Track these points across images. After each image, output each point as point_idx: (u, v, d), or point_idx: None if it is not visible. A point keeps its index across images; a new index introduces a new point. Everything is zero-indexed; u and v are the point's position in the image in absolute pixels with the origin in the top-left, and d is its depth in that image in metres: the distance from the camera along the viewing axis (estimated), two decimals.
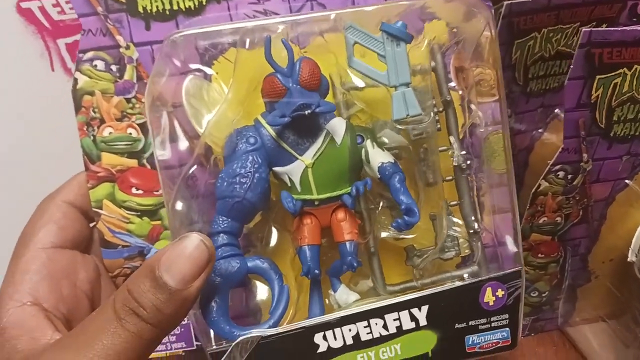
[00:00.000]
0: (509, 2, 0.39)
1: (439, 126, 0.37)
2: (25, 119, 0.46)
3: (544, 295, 0.50)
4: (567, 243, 0.48)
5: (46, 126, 0.46)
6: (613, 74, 0.40)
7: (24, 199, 0.39)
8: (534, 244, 0.46)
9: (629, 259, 0.44)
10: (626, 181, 0.46)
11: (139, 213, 0.40)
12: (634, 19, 0.43)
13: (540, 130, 0.48)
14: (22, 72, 0.45)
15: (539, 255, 0.47)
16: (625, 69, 0.40)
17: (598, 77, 0.40)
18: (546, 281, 0.49)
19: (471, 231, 0.38)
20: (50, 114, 0.46)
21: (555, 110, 0.47)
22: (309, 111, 0.32)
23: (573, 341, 0.52)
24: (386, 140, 0.36)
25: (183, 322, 0.41)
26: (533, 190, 0.43)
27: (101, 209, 0.39)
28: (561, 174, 0.43)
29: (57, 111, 0.45)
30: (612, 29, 0.39)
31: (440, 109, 0.37)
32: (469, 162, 0.37)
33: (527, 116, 0.47)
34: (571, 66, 0.39)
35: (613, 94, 0.41)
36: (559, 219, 0.46)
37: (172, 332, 0.41)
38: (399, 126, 0.35)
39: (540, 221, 0.45)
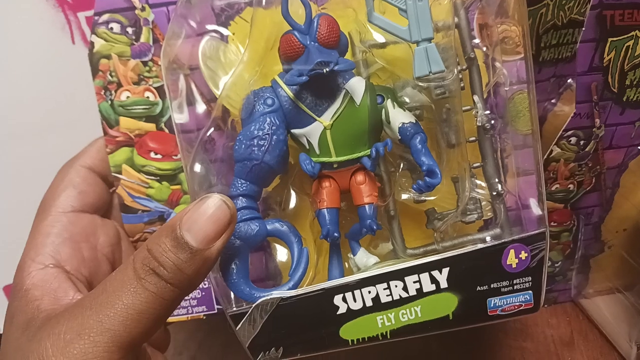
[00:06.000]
0: None
1: (462, 85, 0.35)
2: (47, 90, 0.46)
3: (556, 265, 0.49)
4: (579, 211, 0.47)
5: (67, 97, 0.47)
6: (625, 36, 0.39)
7: (47, 167, 0.39)
8: None
9: None
10: (639, 148, 0.44)
11: (158, 178, 0.40)
12: None
13: (553, 101, 0.47)
14: (44, 45, 0.45)
15: (552, 223, 0.47)
16: (637, 31, 0.39)
17: (610, 39, 0.39)
18: (559, 251, 0.48)
19: (494, 193, 0.36)
20: (71, 86, 0.46)
21: (569, 80, 0.45)
22: (328, 69, 0.31)
23: (587, 312, 0.51)
24: (407, 100, 0.35)
25: (204, 286, 0.41)
26: (545, 156, 0.42)
27: (121, 173, 0.39)
28: (573, 139, 0.42)
29: (78, 82, 0.45)
30: None
31: (464, 67, 0.36)
32: (492, 122, 0.36)
33: (540, 86, 0.45)
34: (582, 28, 0.38)
35: (625, 57, 0.40)
36: (571, 186, 0.45)
37: (193, 296, 0.42)
38: (420, 84, 0.34)
39: (553, 188, 0.44)
